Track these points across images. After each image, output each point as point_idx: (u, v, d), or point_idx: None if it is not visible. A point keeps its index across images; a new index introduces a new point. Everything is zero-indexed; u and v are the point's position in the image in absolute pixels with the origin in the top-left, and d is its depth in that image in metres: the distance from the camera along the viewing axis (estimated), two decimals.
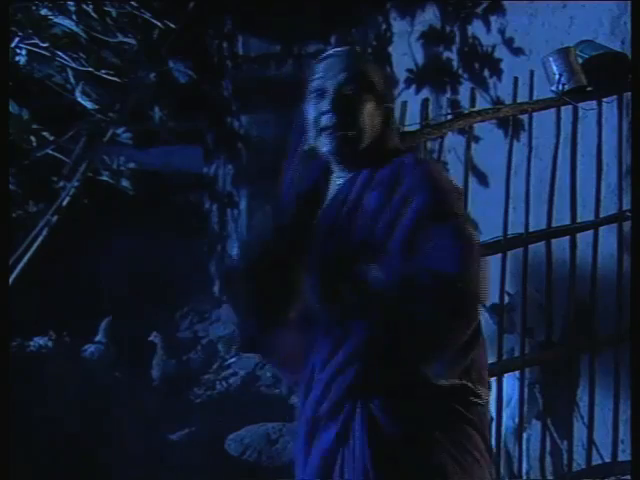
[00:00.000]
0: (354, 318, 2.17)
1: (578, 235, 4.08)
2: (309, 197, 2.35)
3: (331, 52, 2.33)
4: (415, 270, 2.12)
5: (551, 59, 4.01)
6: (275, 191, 2.52)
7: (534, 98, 4.06)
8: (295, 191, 2.37)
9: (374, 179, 2.24)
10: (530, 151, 4.06)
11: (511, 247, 4.00)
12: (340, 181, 2.31)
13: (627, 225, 4.00)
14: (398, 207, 2.18)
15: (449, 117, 4.10)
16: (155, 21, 4.36)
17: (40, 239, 4.57)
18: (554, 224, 4.05)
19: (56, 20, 4.13)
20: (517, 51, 4.86)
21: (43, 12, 4.13)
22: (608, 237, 4.10)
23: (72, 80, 4.32)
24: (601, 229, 4.10)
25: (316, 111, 2.26)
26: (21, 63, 4.21)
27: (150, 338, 6.17)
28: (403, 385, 2.16)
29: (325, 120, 2.24)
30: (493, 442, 3.60)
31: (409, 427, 2.17)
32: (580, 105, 4.04)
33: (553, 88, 3.99)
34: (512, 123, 4.06)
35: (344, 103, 2.24)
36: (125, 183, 4.69)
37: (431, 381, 2.16)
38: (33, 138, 4.34)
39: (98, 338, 6.06)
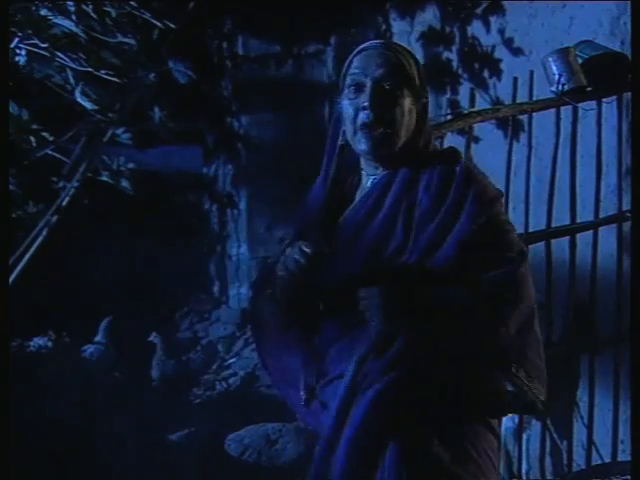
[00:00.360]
0: (398, 326, 2.10)
1: (578, 235, 4.08)
2: (338, 193, 2.28)
3: (367, 45, 2.25)
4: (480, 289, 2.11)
5: (551, 59, 4.01)
6: (276, 191, 2.51)
7: (534, 98, 4.06)
8: (326, 186, 2.30)
9: (419, 181, 2.19)
10: (530, 151, 4.06)
11: None
12: (373, 179, 2.25)
13: (627, 225, 4.00)
14: (450, 214, 2.14)
15: (449, 117, 4.10)
16: (155, 21, 4.35)
17: (40, 239, 4.57)
18: (554, 224, 4.05)
19: (56, 20, 4.13)
20: (517, 51, 4.86)
21: (43, 12, 4.13)
22: (608, 237, 4.10)
23: (72, 80, 4.32)
24: (601, 229, 4.10)
25: (353, 107, 2.20)
26: (21, 63, 4.21)
27: (150, 338, 6.16)
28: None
29: (363, 116, 2.17)
30: None
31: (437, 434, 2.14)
32: (580, 105, 4.04)
33: (553, 88, 3.99)
34: (512, 123, 4.06)
35: (383, 99, 2.17)
36: (125, 183, 4.69)
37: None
38: (33, 138, 4.34)
39: (98, 338, 6.06)
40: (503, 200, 2.30)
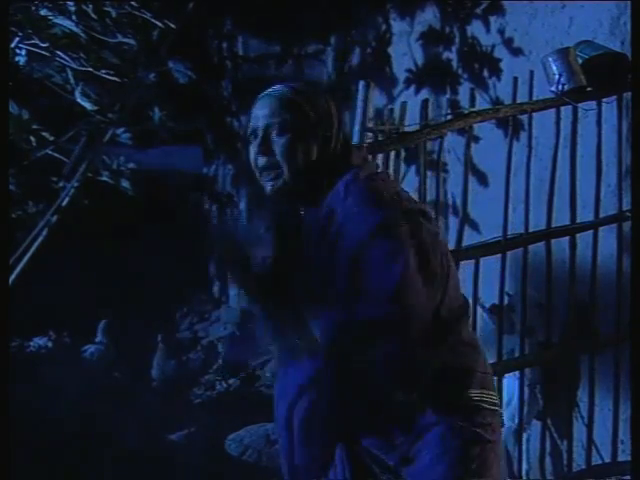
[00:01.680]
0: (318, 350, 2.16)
1: (578, 235, 4.08)
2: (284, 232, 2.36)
3: (264, 92, 2.32)
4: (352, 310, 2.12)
5: (551, 59, 4.01)
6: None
7: (534, 98, 4.06)
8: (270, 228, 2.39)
9: (320, 215, 2.23)
10: (530, 151, 4.06)
11: (511, 247, 4.00)
12: (302, 214, 2.31)
13: (627, 225, 4.00)
14: (335, 236, 2.17)
15: (449, 117, 4.10)
16: (155, 21, 4.35)
17: (40, 239, 4.56)
18: (554, 224, 4.05)
19: (56, 20, 4.13)
20: (516, 51, 4.86)
21: (43, 12, 4.13)
22: (608, 237, 4.10)
23: (72, 80, 4.32)
24: (601, 229, 4.10)
25: (252, 152, 2.28)
26: (21, 63, 4.20)
27: (158, 340, 6.19)
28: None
29: (258, 161, 2.25)
30: None
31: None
32: (580, 105, 4.04)
33: (553, 88, 4.00)
34: (512, 123, 4.06)
35: (270, 143, 2.23)
36: (125, 183, 4.69)
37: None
38: (33, 138, 4.34)
39: (97, 339, 6.06)
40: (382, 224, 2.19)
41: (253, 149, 2.27)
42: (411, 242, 2.11)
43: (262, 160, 2.25)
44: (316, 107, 2.28)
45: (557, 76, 3.97)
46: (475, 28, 5.20)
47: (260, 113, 2.27)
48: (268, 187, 2.26)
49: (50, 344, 5.41)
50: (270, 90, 2.31)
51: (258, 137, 2.26)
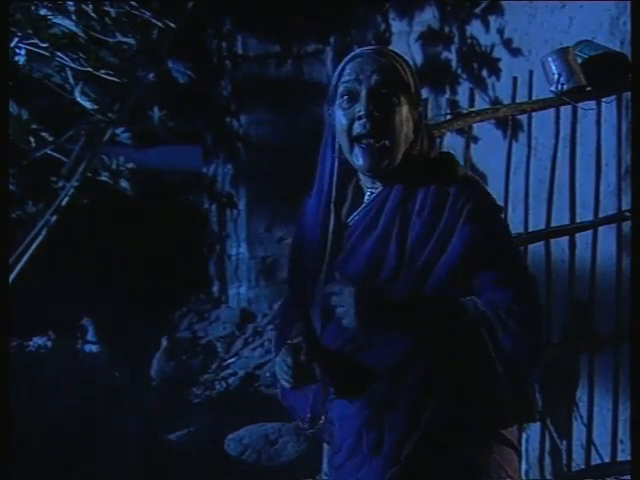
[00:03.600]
0: (369, 326, 2.04)
1: (577, 235, 4.08)
2: (334, 209, 2.17)
3: (360, 51, 2.12)
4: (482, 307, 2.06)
5: (550, 59, 4.01)
6: (275, 191, 2.48)
7: (533, 98, 4.06)
8: (321, 206, 2.19)
9: (413, 201, 2.09)
10: (529, 151, 4.06)
11: None
12: (370, 193, 2.15)
13: (626, 225, 4.00)
14: (442, 240, 2.05)
15: (448, 117, 4.10)
16: (155, 21, 4.35)
17: (39, 239, 4.57)
18: (553, 224, 4.05)
19: (55, 20, 4.13)
20: (516, 51, 4.86)
21: (42, 12, 4.13)
22: (607, 237, 4.10)
23: (71, 80, 4.32)
24: (600, 229, 4.10)
25: (347, 117, 2.07)
26: (20, 63, 4.20)
27: (162, 340, 6.20)
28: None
29: (359, 127, 2.05)
30: None
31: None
32: (579, 105, 4.04)
33: (552, 88, 3.99)
34: (511, 123, 4.06)
35: (380, 107, 2.04)
36: (124, 183, 4.69)
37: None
38: (32, 138, 4.34)
39: (96, 338, 6.06)
40: (500, 215, 2.21)
41: (349, 113, 2.06)
42: None
43: (363, 125, 2.04)
44: (415, 78, 2.14)
45: (556, 76, 3.96)
46: (474, 28, 5.20)
47: (362, 72, 2.06)
48: (362, 161, 2.07)
49: (49, 344, 5.39)
50: (367, 49, 2.12)
51: (360, 99, 2.05)
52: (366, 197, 2.16)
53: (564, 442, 4.25)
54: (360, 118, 2.05)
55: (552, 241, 4.06)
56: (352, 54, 2.13)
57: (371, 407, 2.11)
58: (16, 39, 4.12)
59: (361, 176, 2.17)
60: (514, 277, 2.10)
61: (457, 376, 2.08)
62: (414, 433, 2.07)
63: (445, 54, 5.43)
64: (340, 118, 2.09)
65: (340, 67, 2.13)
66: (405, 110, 2.08)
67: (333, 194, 2.16)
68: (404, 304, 2.06)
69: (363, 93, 2.05)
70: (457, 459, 2.10)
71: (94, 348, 5.94)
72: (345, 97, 2.08)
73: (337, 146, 2.14)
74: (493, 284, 2.07)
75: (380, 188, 2.13)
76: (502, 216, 2.23)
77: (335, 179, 2.17)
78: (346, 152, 2.11)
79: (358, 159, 2.08)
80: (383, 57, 2.09)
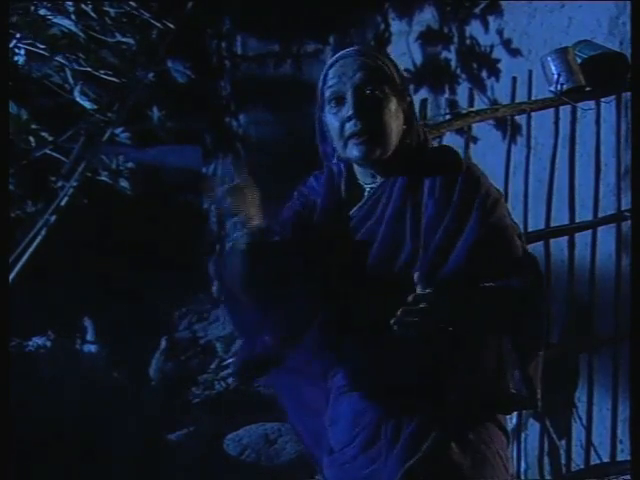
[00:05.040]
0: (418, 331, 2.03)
1: (577, 235, 4.08)
2: (330, 208, 2.22)
3: (339, 55, 2.18)
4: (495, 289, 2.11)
5: (549, 59, 4.01)
6: (275, 191, 2.48)
7: (532, 98, 4.06)
8: (315, 203, 2.24)
9: (421, 186, 2.13)
10: (529, 151, 4.06)
11: None
12: (370, 188, 2.19)
13: (626, 225, 4.00)
14: (458, 218, 2.10)
15: (447, 117, 4.10)
16: (154, 22, 4.35)
17: (39, 239, 4.56)
18: (553, 224, 4.06)
19: (55, 20, 4.13)
20: (515, 51, 4.86)
21: (42, 12, 4.13)
22: (606, 237, 4.10)
23: (71, 80, 4.32)
24: (600, 229, 4.10)
25: (338, 119, 2.12)
26: (20, 63, 4.20)
27: (162, 340, 6.20)
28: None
29: (350, 127, 2.10)
30: None
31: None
32: (579, 105, 4.04)
33: (552, 88, 4.00)
34: (510, 123, 4.06)
35: (367, 105, 2.09)
36: (124, 183, 4.68)
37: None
38: (32, 138, 4.34)
39: (95, 338, 6.06)
40: (503, 202, 2.27)
41: (339, 116, 2.11)
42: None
43: (353, 124, 2.09)
44: (398, 70, 2.20)
45: (556, 76, 3.97)
46: (474, 28, 5.20)
47: (345, 74, 2.11)
48: (356, 152, 2.10)
49: (49, 344, 5.40)
50: (348, 51, 2.16)
51: (347, 101, 2.10)
52: (366, 192, 2.20)
53: (563, 442, 4.25)
54: (350, 119, 2.10)
55: (551, 241, 4.07)
56: (333, 58, 2.18)
57: (390, 398, 2.12)
58: (14, 40, 4.12)
59: (359, 174, 2.21)
60: (525, 263, 2.17)
61: (473, 361, 2.13)
62: (435, 423, 2.10)
63: (444, 54, 5.42)
64: (332, 122, 2.14)
65: (323, 73, 2.18)
66: (393, 103, 2.14)
67: (343, 194, 2.21)
68: (460, 302, 2.08)
69: (349, 94, 2.10)
70: (471, 448, 2.13)
71: (94, 348, 5.94)
72: (332, 101, 2.13)
73: (333, 152, 2.21)
74: (508, 270, 2.12)
75: (380, 181, 2.18)
76: (504, 204, 2.28)
77: (329, 178, 2.23)
78: (341, 151, 2.16)
79: (352, 152, 2.13)
80: (363, 56, 2.15)
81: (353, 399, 2.19)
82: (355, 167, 2.22)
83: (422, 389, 2.11)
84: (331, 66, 2.17)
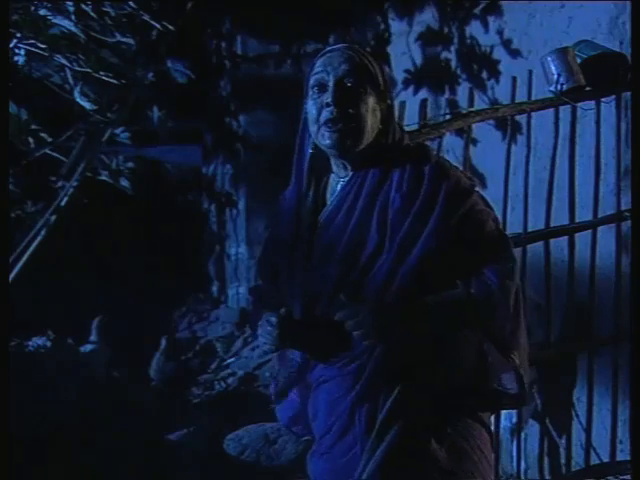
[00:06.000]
0: (388, 329, 2.12)
1: (577, 235, 4.08)
2: (310, 202, 2.30)
3: (330, 47, 2.28)
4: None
5: (549, 59, 4.01)
6: (274, 190, 2.50)
7: (533, 98, 4.06)
8: (297, 195, 2.32)
9: (390, 181, 2.20)
10: (529, 151, 4.06)
11: None
12: (342, 181, 2.26)
13: (626, 225, 4.00)
14: (423, 210, 2.16)
15: (447, 117, 4.10)
16: (153, 23, 4.36)
17: (39, 239, 4.57)
18: (552, 224, 4.05)
19: (55, 20, 4.13)
20: (515, 51, 4.86)
21: (42, 12, 4.13)
22: (606, 237, 4.10)
23: (71, 80, 4.32)
24: (599, 229, 4.10)
25: (317, 106, 2.21)
26: (20, 63, 4.21)
27: (162, 340, 6.20)
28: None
29: (326, 114, 2.18)
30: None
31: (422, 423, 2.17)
32: (579, 105, 4.04)
33: (552, 88, 3.99)
34: (510, 123, 4.06)
35: (346, 95, 2.18)
36: (124, 183, 4.69)
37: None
38: (31, 138, 4.34)
39: (95, 338, 6.06)
40: (476, 192, 2.32)
41: (318, 102, 2.20)
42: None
43: (330, 112, 2.17)
44: (383, 73, 2.27)
45: (556, 76, 3.97)
46: (474, 28, 5.20)
47: (331, 65, 2.21)
48: (328, 139, 2.18)
49: (48, 344, 5.40)
50: (337, 46, 2.26)
51: (328, 88, 2.19)
52: (338, 186, 2.27)
53: (563, 442, 4.25)
54: (328, 105, 2.19)
55: (551, 241, 4.06)
56: (323, 50, 2.28)
57: (361, 383, 2.17)
58: (15, 40, 4.12)
59: (334, 167, 2.28)
60: (498, 254, 2.21)
61: (447, 353, 2.16)
62: (404, 409, 2.14)
63: (444, 54, 5.42)
64: (311, 108, 2.23)
65: (312, 63, 2.28)
66: (371, 101, 2.21)
67: (306, 183, 2.29)
68: (413, 310, 2.14)
69: (331, 83, 2.20)
70: (448, 441, 2.17)
71: (94, 348, 5.94)
72: (315, 88, 2.23)
73: (310, 140, 2.27)
74: (479, 262, 2.18)
75: (352, 174, 2.24)
76: (477, 194, 2.32)
77: (308, 168, 2.29)
78: (315, 137, 2.23)
79: (325, 139, 2.20)
80: (351, 51, 2.24)
81: (328, 388, 2.24)
82: (331, 160, 2.28)
83: (391, 373, 2.15)
84: (320, 57, 2.27)
